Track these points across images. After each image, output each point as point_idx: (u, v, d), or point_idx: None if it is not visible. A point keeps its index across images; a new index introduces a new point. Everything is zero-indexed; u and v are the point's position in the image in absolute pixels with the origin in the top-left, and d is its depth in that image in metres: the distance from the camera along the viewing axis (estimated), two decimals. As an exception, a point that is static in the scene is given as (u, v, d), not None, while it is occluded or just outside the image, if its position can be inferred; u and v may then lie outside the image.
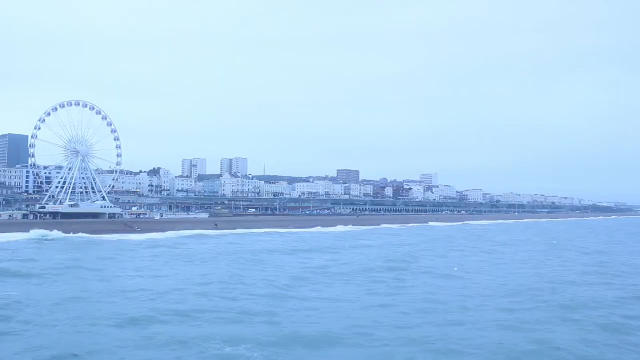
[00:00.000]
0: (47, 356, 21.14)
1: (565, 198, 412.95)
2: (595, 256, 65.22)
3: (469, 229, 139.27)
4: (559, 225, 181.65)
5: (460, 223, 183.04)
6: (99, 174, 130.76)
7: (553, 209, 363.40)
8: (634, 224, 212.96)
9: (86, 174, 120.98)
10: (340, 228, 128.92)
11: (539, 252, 69.90)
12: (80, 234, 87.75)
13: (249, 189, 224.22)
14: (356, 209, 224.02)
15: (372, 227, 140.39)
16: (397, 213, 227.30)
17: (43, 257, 54.62)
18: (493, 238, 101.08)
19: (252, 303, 31.58)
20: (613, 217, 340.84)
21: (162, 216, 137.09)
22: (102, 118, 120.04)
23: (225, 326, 25.89)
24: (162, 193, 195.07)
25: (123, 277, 42.80)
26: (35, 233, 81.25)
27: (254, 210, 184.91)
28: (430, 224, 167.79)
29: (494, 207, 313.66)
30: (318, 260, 56.24)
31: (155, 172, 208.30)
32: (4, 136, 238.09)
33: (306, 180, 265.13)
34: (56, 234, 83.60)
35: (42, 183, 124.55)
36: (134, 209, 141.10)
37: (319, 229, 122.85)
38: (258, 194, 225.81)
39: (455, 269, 49.76)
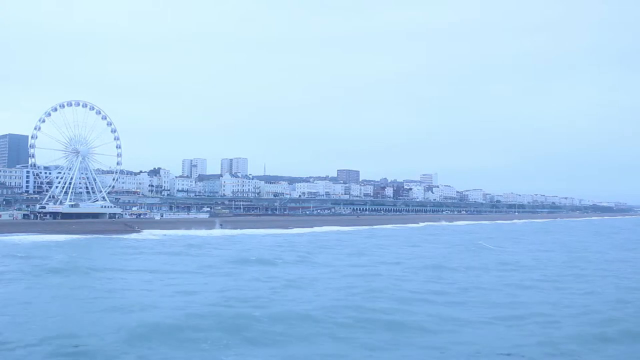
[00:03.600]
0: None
1: (566, 198, 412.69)
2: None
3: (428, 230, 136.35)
4: (535, 225, 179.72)
5: (450, 223, 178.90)
6: (99, 174, 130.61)
7: (553, 209, 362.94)
8: (612, 224, 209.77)
9: (86, 174, 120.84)
10: (323, 228, 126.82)
11: (443, 250, 70.85)
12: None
13: (249, 189, 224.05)
14: (356, 209, 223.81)
15: (357, 227, 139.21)
16: (397, 213, 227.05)
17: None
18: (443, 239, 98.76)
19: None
20: (605, 217, 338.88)
21: (162, 216, 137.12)
22: (103, 119, 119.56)
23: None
24: (162, 193, 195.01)
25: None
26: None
27: (254, 210, 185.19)
28: (421, 224, 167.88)
29: (494, 207, 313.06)
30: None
31: (155, 172, 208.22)
32: (4, 136, 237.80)
33: (306, 180, 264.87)
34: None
35: (42, 183, 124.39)
36: (134, 209, 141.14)
37: (315, 229, 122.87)
38: (258, 194, 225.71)
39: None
